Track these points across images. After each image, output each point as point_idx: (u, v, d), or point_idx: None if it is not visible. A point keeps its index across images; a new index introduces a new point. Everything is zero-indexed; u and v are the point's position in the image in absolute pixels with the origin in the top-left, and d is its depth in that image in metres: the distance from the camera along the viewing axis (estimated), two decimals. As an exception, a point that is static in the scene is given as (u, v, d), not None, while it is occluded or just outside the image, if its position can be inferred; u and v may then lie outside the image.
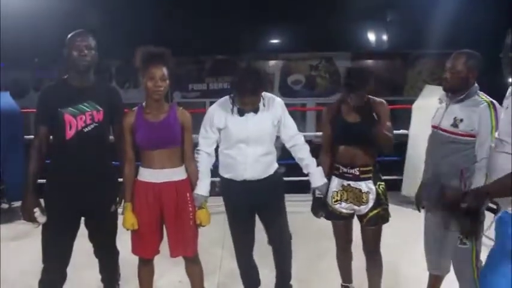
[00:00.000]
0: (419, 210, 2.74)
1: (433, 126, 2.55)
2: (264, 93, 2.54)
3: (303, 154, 2.66)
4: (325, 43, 13.29)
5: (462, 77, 2.37)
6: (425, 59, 13.35)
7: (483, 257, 2.28)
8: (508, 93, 2.04)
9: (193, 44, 12.05)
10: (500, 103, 2.18)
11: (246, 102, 2.47)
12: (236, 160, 2.56)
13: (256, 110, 2.53)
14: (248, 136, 2.52)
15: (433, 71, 12.99)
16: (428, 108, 2.63)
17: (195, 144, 2.59)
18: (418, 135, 2.63)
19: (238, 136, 2.53)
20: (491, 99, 2.35)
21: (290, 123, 2.65)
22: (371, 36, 16.15)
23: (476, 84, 2.40)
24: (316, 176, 2.64)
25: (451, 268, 2.56)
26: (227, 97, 2.59)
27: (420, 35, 11.75)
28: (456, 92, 2.41)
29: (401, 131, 4.88)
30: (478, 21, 10.02)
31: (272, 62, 14.05)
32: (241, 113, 2.52)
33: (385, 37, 15.98)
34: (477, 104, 2.34)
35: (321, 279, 3.29)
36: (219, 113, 2.57)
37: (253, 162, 2.55)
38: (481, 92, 2.40)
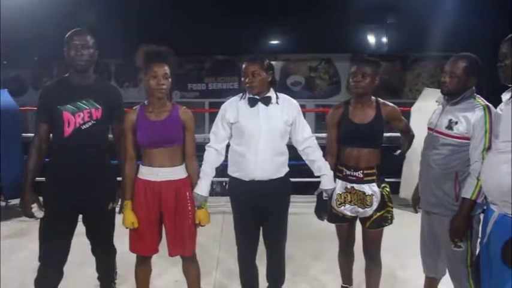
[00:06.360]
0: (416, 211, 2.74)
1: (429, 128, 2.53)
2: (279, 94, 2.58)
3: (315, 156, 2.61)
4: (325, 44, 13.29)
5: (461, 81, 2.34)
6: (425, 61, 13.36)
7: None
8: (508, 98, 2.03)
9: (192, 43, 12.04)
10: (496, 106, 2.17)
11: (249, 70, 2.47)
12: (246, 157, 2.52)
13: (266, 102, 2.53)
14: (260, 128, 2.50)
15: (432, 74, 13.01)
16: (427, 111, 2.62)
17: (197, 144, 2.57)
18: (417, 137, 2.62)
19: (249, 128, 2.51)
20: (487, 102, 2.32)
21: (305, 126, 2.62)
22: (370, 38, 16.15)
23: (473, 88, 2.37)
24: (329, 178, 2.59)
25: (447, 271, 2.55)
26: (239, 94, 2.61)
27: (419, 38, 11.75)
28: (454, 95, 2.38)
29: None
30: (478, 24, 10.02)
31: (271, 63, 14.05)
32: (251, 103, 2.53)
33: (384, 39, 15.99)
34: (473, 107, 2.32)
35: (316, 281, 3.29)
36: (231, 107, 2.58)
37: (263, 160, 2.51)
38: (478, 95, 2.38)
